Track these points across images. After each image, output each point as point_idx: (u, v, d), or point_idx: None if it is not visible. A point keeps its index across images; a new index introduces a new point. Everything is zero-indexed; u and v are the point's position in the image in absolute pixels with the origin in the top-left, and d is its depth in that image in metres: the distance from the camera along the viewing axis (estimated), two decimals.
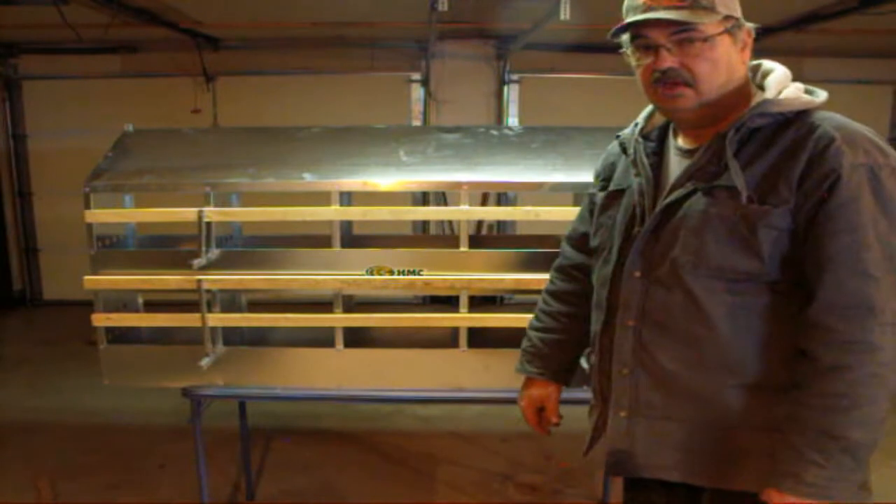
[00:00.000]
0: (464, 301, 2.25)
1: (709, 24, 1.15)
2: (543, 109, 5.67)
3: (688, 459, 1.25)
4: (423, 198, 5.20)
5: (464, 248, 2.24)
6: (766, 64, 1.27)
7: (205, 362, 2.25)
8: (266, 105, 5.76)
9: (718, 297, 1.17)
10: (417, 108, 5.90)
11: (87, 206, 2.24)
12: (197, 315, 2.24)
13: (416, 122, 5.88)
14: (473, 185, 2.24)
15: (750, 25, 1.22)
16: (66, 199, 4.92)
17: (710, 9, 1.15)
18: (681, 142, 1.30)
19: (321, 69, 5.78)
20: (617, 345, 1.29)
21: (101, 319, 2.30)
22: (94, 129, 5.19)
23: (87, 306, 2.30)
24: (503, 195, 5.12)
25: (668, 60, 1.17)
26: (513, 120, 5.85)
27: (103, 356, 2.34)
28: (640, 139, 1.35)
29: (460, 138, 2.46)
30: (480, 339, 2.32)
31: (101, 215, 2.28)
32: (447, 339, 2.41)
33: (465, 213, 2.26)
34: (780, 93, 1.19)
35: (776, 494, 1.12)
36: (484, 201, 5.04)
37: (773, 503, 1.13)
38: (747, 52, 1.22)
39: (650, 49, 1.19)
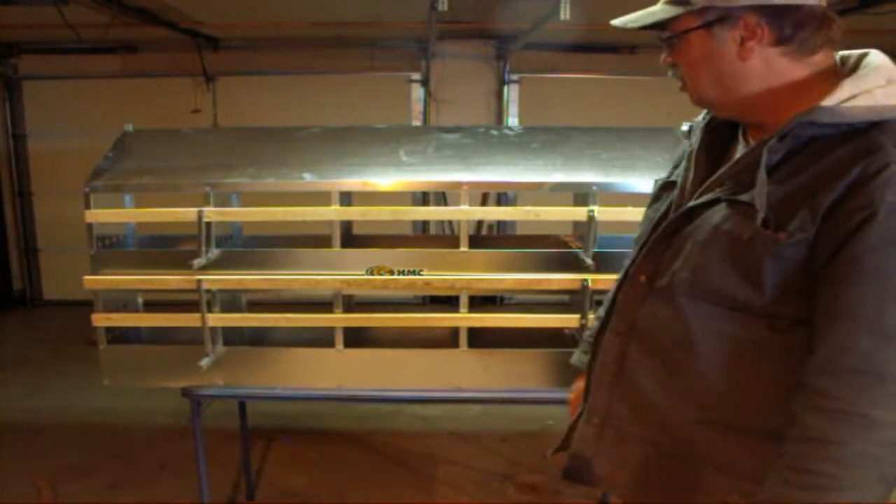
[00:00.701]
0: (464, 301, 2.25)
1: (682, 20, 1.04)
2: (543, 109, 5.67)
3: (644, 482, 1.15)
4: (423, 198, 5.19)
5: (464, 248, 2.24)
6: (870, 57, 1.03)
7: (205, 362, 2.25)
8: (266, 105, 5.75)
9: (708, 323, 1.04)
10: (417, 108, 5.90)
11: (87, 206, 2.25)
12: (197, 315, 2.24)
13: (416, 122, 5.87)
14: (473, 185, 2.24)
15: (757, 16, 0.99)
16: (66, 199, 4.92)
17: (683, 1, 1.03)
18: (750, 137, 1.12)
19: (321, 69, 5.78)
20: (603, 350, 1.21)
21: (101, 319, 2.30)
22: (94, 129, 5.18)
23: (87, 306, 2.30)
24: (503, 195, 5.13)
25: (667, 57, 1.10)
26: (513, 120, 5.85)
27: (103, 356, 2.34)
28: (705, 128, 1.18)
29: (460, 138, 2.46)
30: (480, 339, 2.32)
31: (101, 215, 2.28)
32: (447, 339, 2.41)
33: (465, 213, 2.25)
34: (853, 97, 0.96)
35: None
36: (484, 201, 5.04)
37: None
38: (762, 48, 1.00)
39: None
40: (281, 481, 3.07)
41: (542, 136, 2.45)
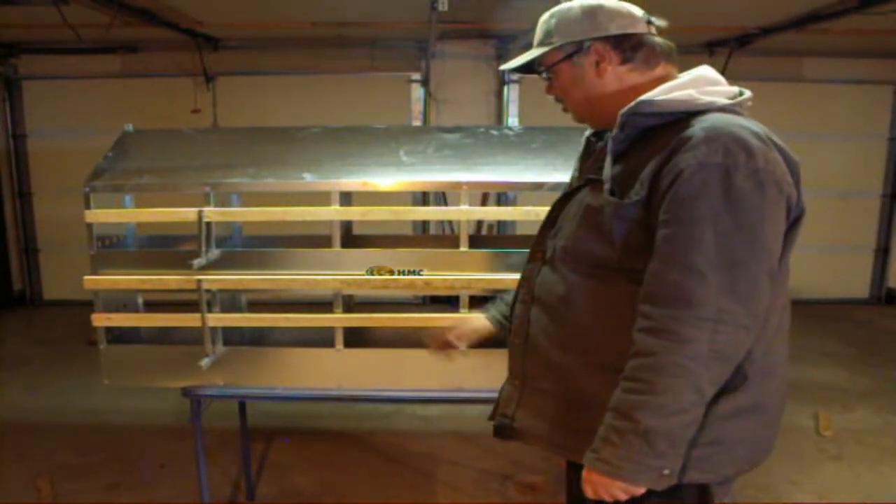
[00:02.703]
0: (464, 301, 2.25)
1: (548, 56, 1.34)
2: (543, 109, 5.64)
3: (558, 432, 1.33)
4: (423, 198, 5.20)
5: (464, 248, 2.24)
6: (696, 69, 1.30)
7: (205, 362, 2.25)
8: (266, 105, 5.76)
9: (581, 281, 1.28)
10: (417, 108, 5.90)
11: (87, 206, 2.25)
12: (197, 315, 2.24)
13: (416, 122, 5.88)
14: (473, 185, 2.24)
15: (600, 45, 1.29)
16: (66, 199, 4.92)
17: (548, 42, 1.33)
18: None
19: (321, 69, 5.78)
20: (515, 318, 1.43)
21: (101, 319, 2.30)
22: (94, 129, 5.18)
23: (87, 306, 2.30)
24: (503, 195, 5.14)
25: (549, 89, 1.40)
26: (513, 120, 5.85)
27: (103, 356, 2.34)
28: (588, 139, 1.48)
29: (460, 138, 2.46)
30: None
31: (101, 215, 2.28)
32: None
33: (465, 213, 2.26)
34: (670, 93, 1.22)
35: (584, 469, 1.19)
36: (484, 201, 5.05)
37: (583, 476, 1.20)
38: (614, 67, 1.30)
39: None
40: (281, 481, 3.07)
41: (542, 136, 2.45)
